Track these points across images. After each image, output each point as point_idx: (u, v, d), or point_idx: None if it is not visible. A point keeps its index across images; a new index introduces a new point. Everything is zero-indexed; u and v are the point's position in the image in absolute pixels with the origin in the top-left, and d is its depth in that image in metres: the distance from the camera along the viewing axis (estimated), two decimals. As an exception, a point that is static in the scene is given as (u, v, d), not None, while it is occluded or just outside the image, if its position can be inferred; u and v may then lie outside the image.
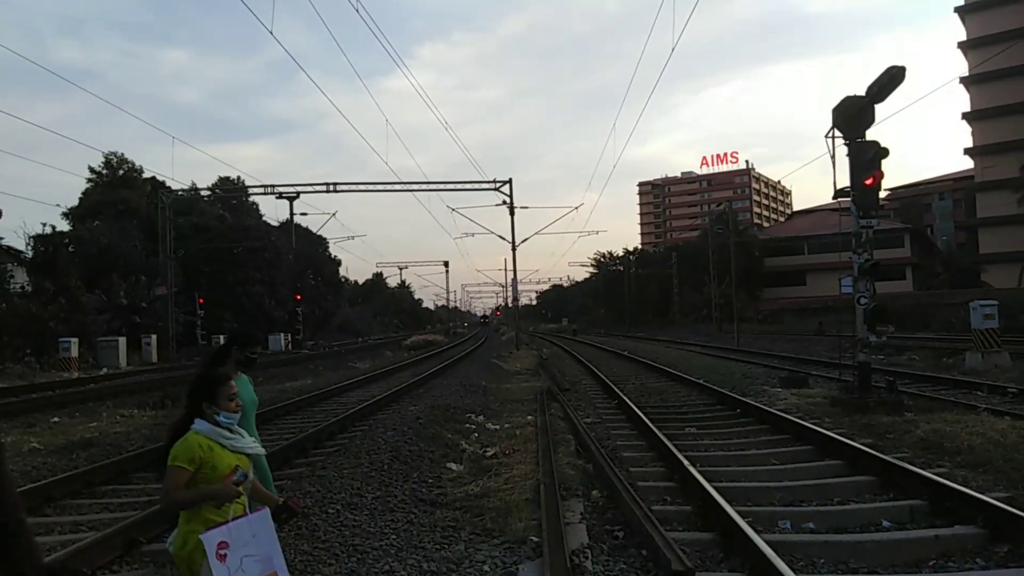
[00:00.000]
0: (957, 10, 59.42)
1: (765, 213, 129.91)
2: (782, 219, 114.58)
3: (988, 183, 56.63)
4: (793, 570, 4.31)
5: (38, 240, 35.61)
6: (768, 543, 4.76)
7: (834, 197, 11.77)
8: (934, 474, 6.54)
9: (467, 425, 11.37)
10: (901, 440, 8.74)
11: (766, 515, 6.05)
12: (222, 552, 2.88)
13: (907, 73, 11.01)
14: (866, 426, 9.73)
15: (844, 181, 11.70)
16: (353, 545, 5.48)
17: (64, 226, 43.76)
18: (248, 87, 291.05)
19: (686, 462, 7.32)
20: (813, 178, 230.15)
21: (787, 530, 5.77)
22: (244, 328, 5.18)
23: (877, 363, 12.43)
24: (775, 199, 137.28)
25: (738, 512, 5.52)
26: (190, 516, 3.06)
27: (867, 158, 11.06)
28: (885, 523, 5.76)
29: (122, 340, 31.85)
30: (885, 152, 11.01)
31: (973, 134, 59.60)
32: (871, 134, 11.57)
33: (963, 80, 56.92)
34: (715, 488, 6.21)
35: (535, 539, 5.41)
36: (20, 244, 36.00)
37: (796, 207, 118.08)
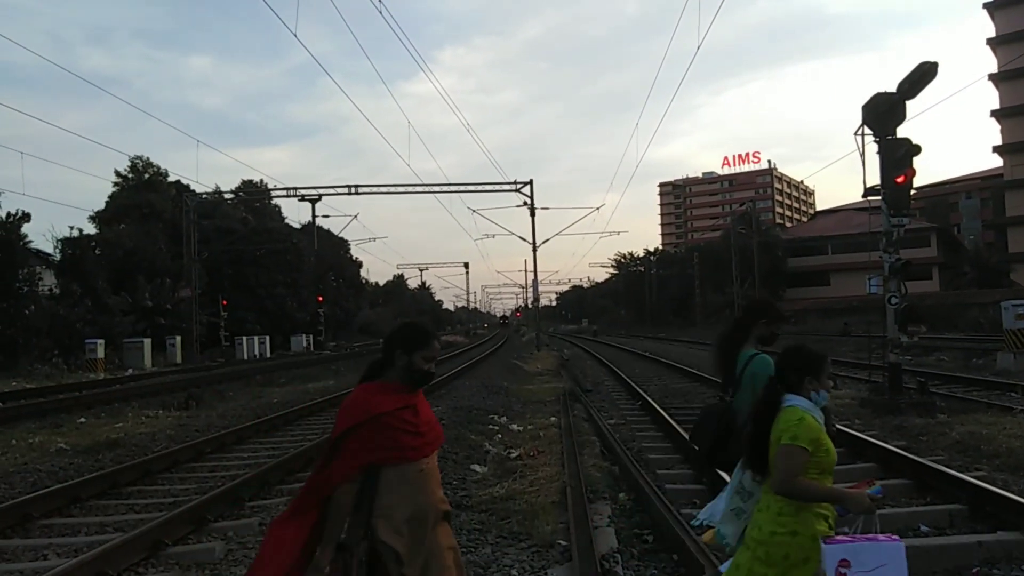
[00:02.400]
0: (986, 6, 58.35)
1: (788, 213, 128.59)
2: (805, 219, 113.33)
3: (1017, 181, 55.50)
4: (831, 577, 4.17)
5: (65, 243, 36.14)
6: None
7: (864, 195, 11.55)
8: (973, 477, 6.35)
9: (490, 426, 11.30)
10: (936, 442, 8.53)
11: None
12: (842, 571, 2.56)
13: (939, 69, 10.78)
14: (898, 428, 9.52)
15: (873, 179, 11.50)
16: (378, 548, 5.42)
17: (91, 229, 44.37)
18: (271, 92, 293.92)
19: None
20: (836, 178, 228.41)
21: (821, 535, 5.62)
22: (769, 300, 4.46)
23: (905, 364, 12.17)
24: (798, 199, 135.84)
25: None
26: (800, 508, 2.74)
27: (898, 155, 10.83)
28: (923, 528, 5.60)
29: (147, 341, 32.20)
30: (917, 149, 10.78)
31: (1002, 131, 58.46)
32: (900, 131, 11.35)
33: (992, 77, 55.92)
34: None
35: (563, 543, 5.32)
36: (48, 247, 36.58)
37: (819, 207, 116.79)
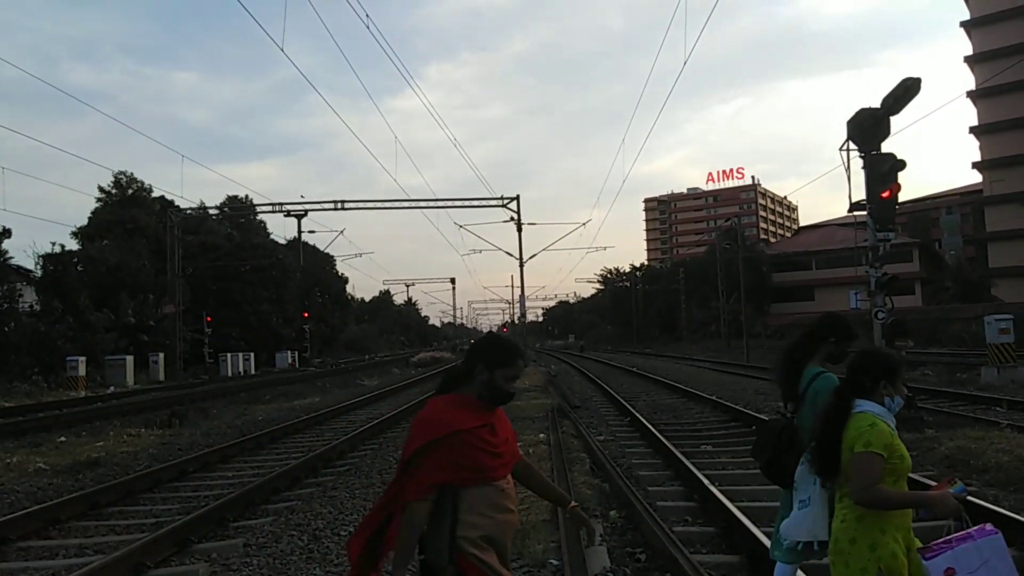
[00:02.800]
0: (963, 24, 59.48)
1: (771, 229, 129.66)
2: (789, 235, 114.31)
3: (996, 197, 56.37)
4: (827, 595, 4.12)
5: (47, 259, 35.73)
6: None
7: (849, 210, 11.64)
8: (964, 493, 6.34)
9: (478, 443, 11.18)
10: (925, 457, 8.53)
11: (792, 536, 5.84)
12: None
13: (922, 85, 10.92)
14: (887, 443, 9.52)
15: (859, 194, 11.59)
16: (367, 569, 5.31)
17: (73, 245, 43.89)
18: (257, 107, 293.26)
19: (706, 481, 7.14)
20: (819, 193, 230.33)
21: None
22: (840, 317, 3.93)
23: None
24: (781, 215, 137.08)
25: (764, 533, 5.33)
26: (879, 519, 2.65)
27: (884, 170, 10.93)
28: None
29: (129, 359, 31.81)
30: (902, 164, 10.88)
31: (981, 148, 59.40)
32: (884, 147, 11.47)
33: (970, 94, 56.89)
34: (738, 508, 6.03)
35: (555, 562, 5.24)
36: (29, 263, 36.15)
37: (803, 222, 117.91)
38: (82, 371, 28.16)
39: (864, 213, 11.53)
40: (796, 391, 3.86)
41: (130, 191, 50.71)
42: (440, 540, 2.52)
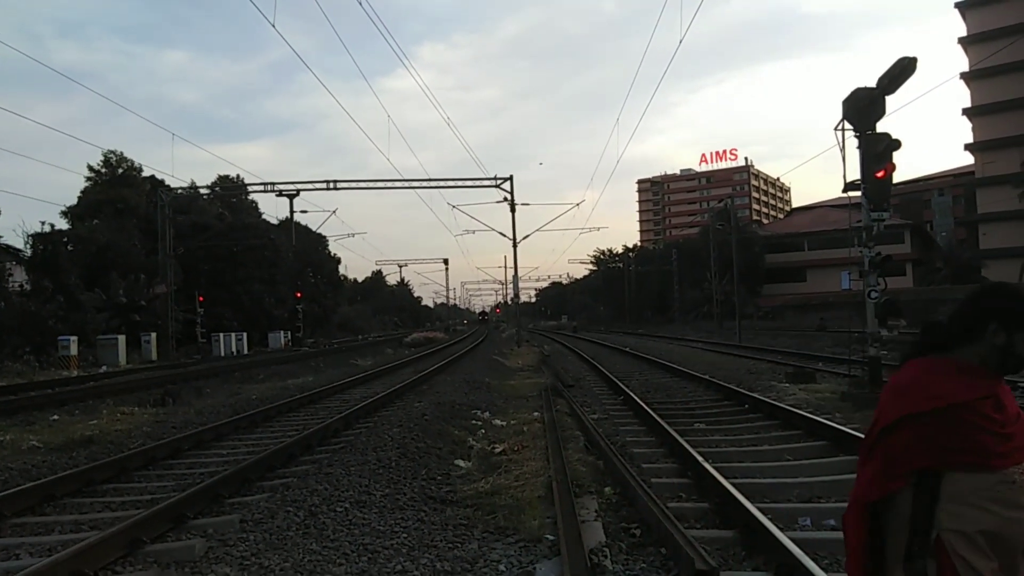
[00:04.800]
0: (957, 6, 59.22)
1: (764, 210, 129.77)
2: (781, 216, 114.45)
3: (988, 179, 56.50)
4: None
5: (37, 239, 35.41)
6: (792, 541, 4.62)
7: (844, 190, 11.65)
8: (955, 469, 6.39)
9: (473, 422, 11.23)
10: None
11: (785, 512, 5.89)
12: None
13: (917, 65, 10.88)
14: (879, 421, 9.59)
15: (853, 174, 11.58)
16: (363, 544, 5.34)
17: (63, 225, 43.54)
18: (249, 87, 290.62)
19: (700, 458, 7.18)
20: (812, 175, 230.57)
21: (807, 527, 5.63)
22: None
23: (884, 358, 12.31)
24: (774, 196, 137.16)
25: (758, 509, 5.38)
26: None
27: (879, 150, 10.92)
28: (908, 520, 5.61)
29: (121, 338, 31.68)
30: (897, 144, 10.87)
31: (973, 130, 59.43)
32: (878, 127, 11.44)
33: (963, 76, 56.80)
34: (732, 484, 6.07)
35: (550, 537, 5.27)
36: (19, 243, 35.85)
37: (795, 204, 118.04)
38: (74, 350, 28.07)
39: (858, 193, 11.53)
40: None
41: (120, 170, 50.28)
42: (915, 531, 2.06)
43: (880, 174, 11.01)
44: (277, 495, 6.74)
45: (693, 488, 6.77)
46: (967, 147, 60.43)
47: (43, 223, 36.79)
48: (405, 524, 5.83)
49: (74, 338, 28.52)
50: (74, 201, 47.83)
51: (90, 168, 49.63)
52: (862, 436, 7.69)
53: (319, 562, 5.00)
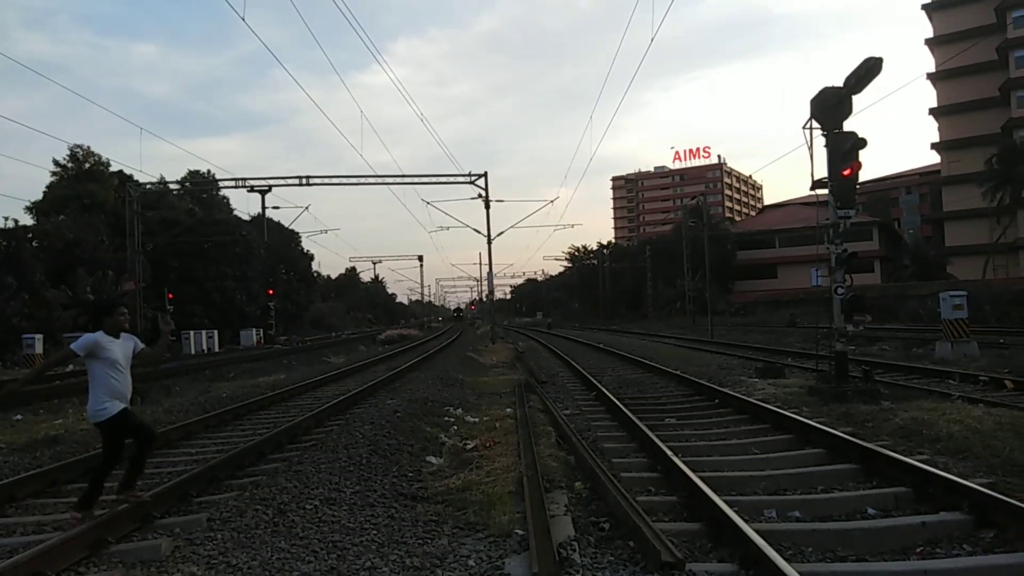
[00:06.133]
0: (924, 7, 60.33)
1: (737, 207, 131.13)
2: (754, 213, 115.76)
3: (954, 177, 57.71)
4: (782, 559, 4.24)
5: (0, 235, 34.66)
6: (756, 532, 4.70)
7: (812, 188, 11.80)
8: (916, 461, 6.55)
9: (446, 418, 11.22)
10: (880, 428, 8.78)
11: (751, 504, 5.99)
12: None
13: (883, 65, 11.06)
14: (844, 415, 9.77)
15: (821, 172, 11.74)
16: (333, 541, 5.32)
17: (27, 220, 42.71)
18: (220, 81, 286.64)
19: (669, 452, 7.26)
20: (784, 173, 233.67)
21: (773, 519, 5.72)
22: None
23: (851, 353, 12.52)
24: (747, 193, 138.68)
25: (724, 502, 5.45)
26: None
27: (845, 149, 11.09)
28: (870, 511, 5.73)
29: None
30: (863, 143, 11.05)
31: (940, 129, 60.66)
32: (846, 126, 11.62)
33: (930, 76, 57.89)
34: (700, 478, 6.15)
35: (520, 532, 5.30)
36: (-19, 238, 35.03)
37: (767, 201, 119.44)
38: (39, 349, 27.52)
39: (826, 191, 11.71)
40: None
41: (87, 165, 49.39)
42: None
43: (847, 172, 11.19)
44: (246, 493, 6.68)
45: (662, 482, 6.84)
46: (933, 146, 61.67)
47: (6, 219, 36.21)
48: (375, 521, 5.82)
49: (39, 336, 27.97)
50: (39, 196, 46.98)
51: (56, 162, 48.72)
52: (827, 430, 7.80)
53: (288, 560, 4.98)
